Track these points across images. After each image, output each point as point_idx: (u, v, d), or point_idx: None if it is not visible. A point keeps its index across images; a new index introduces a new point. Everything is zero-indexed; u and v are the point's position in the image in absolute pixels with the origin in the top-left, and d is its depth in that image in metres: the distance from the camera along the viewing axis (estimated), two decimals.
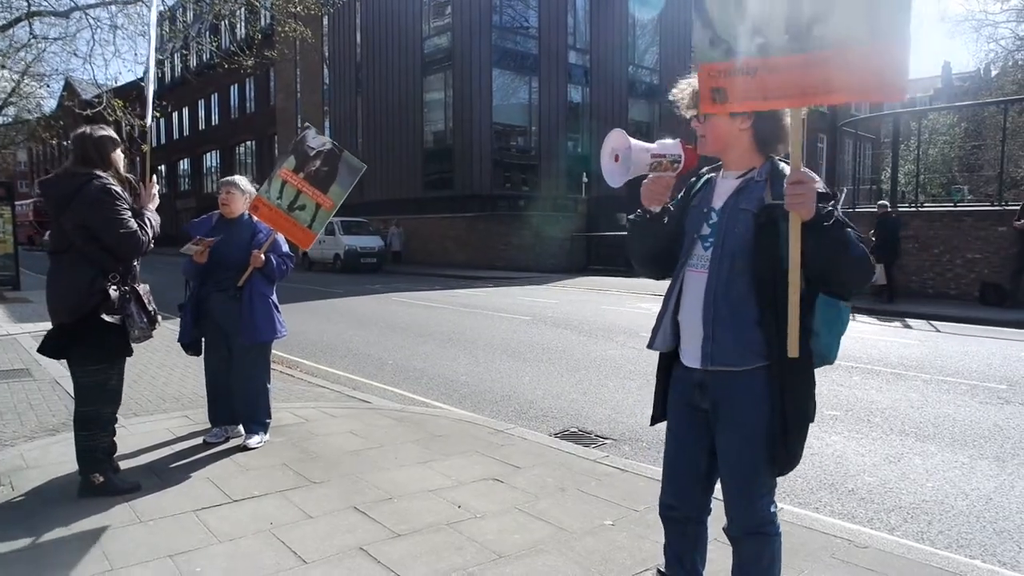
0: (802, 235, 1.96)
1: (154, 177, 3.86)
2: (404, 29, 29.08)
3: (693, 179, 2.40)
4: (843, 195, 14.45)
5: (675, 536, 2.46)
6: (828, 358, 2.21)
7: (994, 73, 38.61)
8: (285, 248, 4.69)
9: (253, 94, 44.32)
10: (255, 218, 4.55)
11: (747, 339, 2.11)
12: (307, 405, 5.95)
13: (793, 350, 2.03)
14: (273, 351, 8.95)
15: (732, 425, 2.19)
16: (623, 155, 2.12)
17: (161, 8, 20.33)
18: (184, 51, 30.95)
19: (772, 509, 2.28)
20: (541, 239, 24.39)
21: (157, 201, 3.81)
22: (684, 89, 2.26)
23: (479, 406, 6.30)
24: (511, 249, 24.77)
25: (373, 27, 31.06)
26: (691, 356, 2.23)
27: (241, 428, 4.81)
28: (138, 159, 22.18)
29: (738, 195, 2.18)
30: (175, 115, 53.49)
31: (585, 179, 26.02)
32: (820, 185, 2.00)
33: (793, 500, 4.02)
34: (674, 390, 2.35)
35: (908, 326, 10.94)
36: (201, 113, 51.44)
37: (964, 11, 62.77)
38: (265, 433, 4.72)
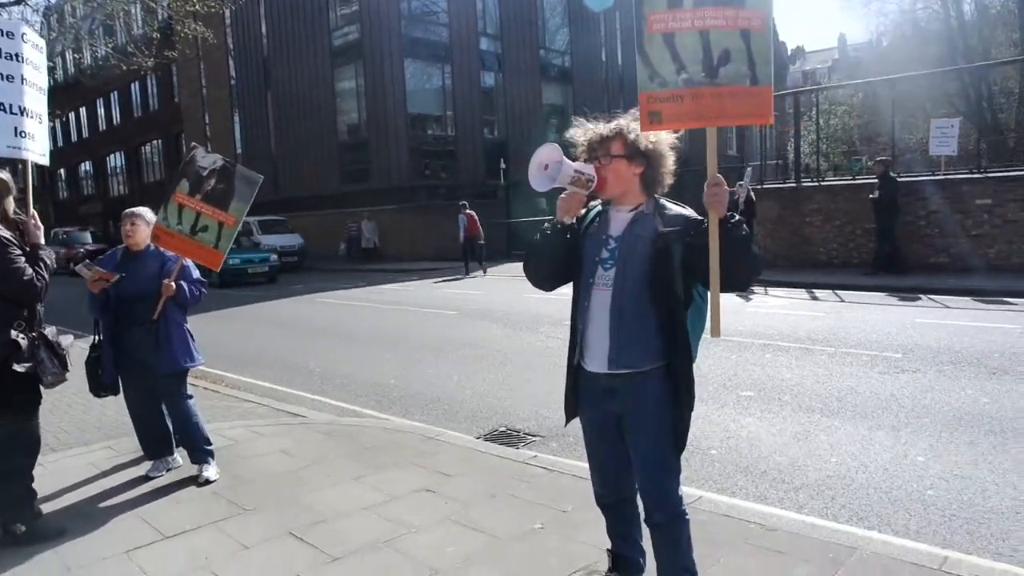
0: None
1: (34, 211, 3.68)
2: (311, 20, 28.43)
3: (584, 211, 2.69)
4: (749, 174, 15.01)
5: (614, 519, 2.84)
6: (694, 356, 2.65)
7: (885, 44, 40.56)
8: (196, 274, 4.62)
9: (156, 91, 42.54)
10: (161, 248, 4.47)
11: (647, 344, 2.50)
12: (235, 424, 5.89)
13: (716, 331, 2.52)
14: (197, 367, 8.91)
15: (641, 423, 2.55)
16: (553, 166, 2.45)
17: (48, 2, 19.25)
18: (76, 52, 29.36)
19: (680, 493, 2.64)
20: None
21: (42, 233, 3.70)
22: (581, 133, 2.61)
23: (409, 411, 6.37)
24: (435, 239, 24.69)
25: (279, 18, 30.23)
26: (597, 363, 2.57)
27: (179, 458, 4.76)
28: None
29: (633, 225, 2.57)
30: (72, 115, 50.78)
31: (503, 165, 26.08)
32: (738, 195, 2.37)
33: (712, 486, 4.27)
34: (584, 394, 2.68)
35: (815, 298, 11.55)
36: (101, 112, 49.00)
37: None
38: (213, 459, 4.67)
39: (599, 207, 2.71)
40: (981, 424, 5.03)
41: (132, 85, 43.46)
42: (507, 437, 5.41)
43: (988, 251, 12.70)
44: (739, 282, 2.51)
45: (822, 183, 15.95)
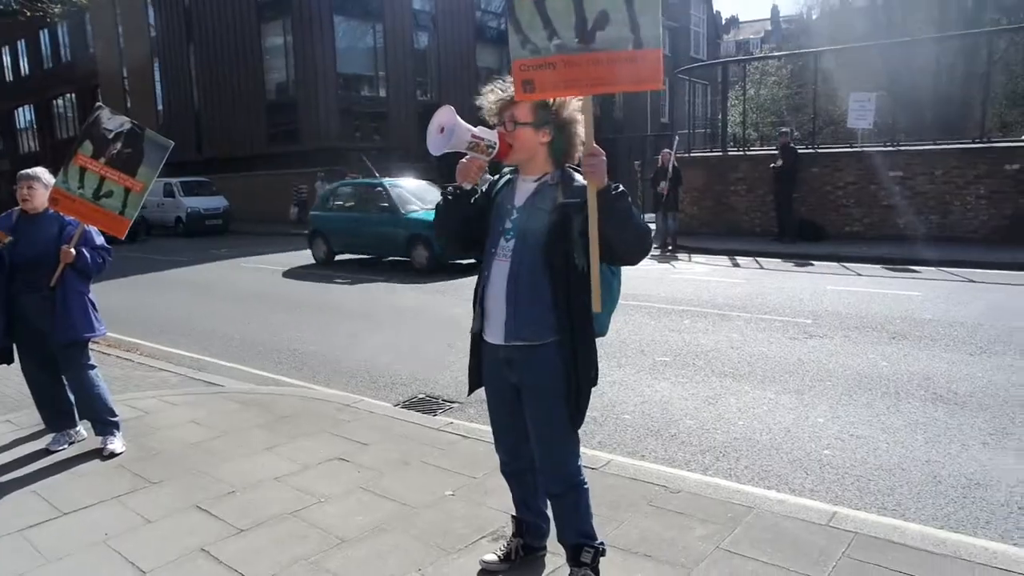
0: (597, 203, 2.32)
1: None
2: None
3: (496, 177, 2.69)
4: (676, 142, 15.22)
5: (517, 486, 2.88)
6: (603, 329, 2.65)
7: (815, 16, 41.48)
8: (100, 240, 4.42)
9: (67, 40, 40.09)
10: (60, 212, 4.25)
11: (543, 317, 2.47)
12: (146, 395, 5.72)
13: (596, 306, 2.43)
14: (109, 334, 8.59)
15: (537, 395, 2.56)
16: (448, 129, 2.39)
17: None
18: None
19: (579, 464, 2.66)
20: None
21: None
22: (488, 98, 2.56)
23: (331, 378, 6.30)
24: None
25: None
26: (495, 334, 2.56)
27: (82, 431, 4.59)
28: None
29: (535, 196, 2.53)
30: None
31: None
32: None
33: (622, 450, 4.38)
34: (485, 365, 2.69)
35: (737, 265, 11.89)
36: (7, 62, 45.98)
37: None
38: (119, 431, 4.51)
39: (509, 175, 2.68)
40: (878, 386, 5.29)
41: (41, 33, 40.85)
42: (426, 404, 5.42)
43: (899, 221, 13.27)
44: (624, 256, 2.42)
45: (747, 152, 16.31)
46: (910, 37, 24.57)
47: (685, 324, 7.49)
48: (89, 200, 4.26)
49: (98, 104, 4.47)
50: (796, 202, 13.89)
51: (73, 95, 40.36)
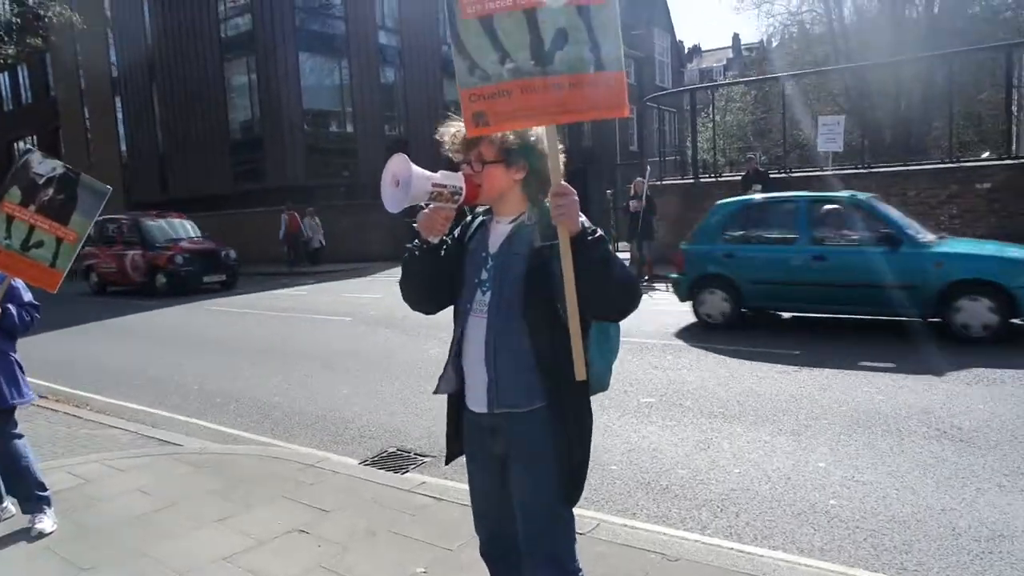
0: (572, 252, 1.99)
1: None
2: (199, 8, 26.86)
3: (468, 218, 2.35)
4: (649, 171, 15.08)
5: (498, 571, 2.46)
6: (603, 384, 2.32)
7: (775, 44, 42.23)
8: (28, 296, 3.99)
9: (27, 82, 39.37)
10: None
11: (528, 381, 2.13)
12: (90, 459, 5.22)
13: (580, 373, 2.05)
14: (58, 387, 8.07)
15: (526, 468, 2.19)
16: (404, 181, 2.04)
17: None
18: None
19: (574, 549, 2.27)
20: (364, 228, 23.62)
21: None
22: (449, 133, 2.23)
23: (292, 432, 5.86)
24: (334, 240, 23.77)
25: (163, 5, 28.42)
26: (477, 400, 2.22)
27: (10, 506, 4.11)
28: None
29: (510, 240, 2.19)
30: None
31: None
32: (583, 218, 2.04)
33: (611, 507, 4.01)
34: (467, 433, 2.32)
35: None
36: None
37: None
38: (50, 507, 4.03)
39: (482, 217, 2.34)
40: (877, 423, 4.99)
41: (0, 76, 40.09)
42: (396, 460, 5.00)
43: None
44: (606, 310, 2.12)
45: (720, 178, 16.22)
46: (870, 62, 24.91)
47: (668, 360, 7.17)
48: (17, 251, 3.83)
49: (28, 147, 4.08)
50: None
51: (35, 137, 39.49)
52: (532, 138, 2.18)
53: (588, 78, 2.01)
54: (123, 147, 32.07)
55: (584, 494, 4.01)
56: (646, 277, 13.66)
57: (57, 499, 4.31)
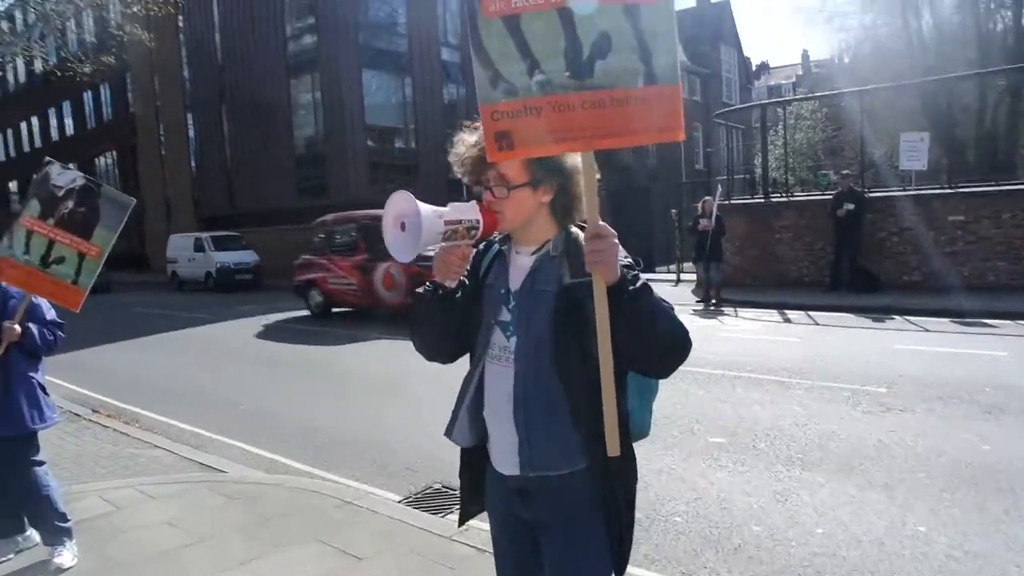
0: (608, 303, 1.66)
1: None
2: (266, 29, 27.50)
3: (482, 246, 1.99)
4: (719, 190, 14.46)
5: None
6: (643, 430, 2.02)
7: (847, 60, 40.83)
8: (51, 314, 3.78)
9: (110, 100, 41.05)
10: (4, 283, 3.63)
11: (565, 440, 1.82)
12: (126, 483, 5.03)
13: (613, 448, 1.72)
14: (111, 402, 8.02)
15: (564, 539, 1.88)
16: (411, 223, 1.71)
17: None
18: (27, 55, 27.98)
19: None
20: None
21: None
22: (459, 151, 1.89)
23: (334, 461, 5.57)
24: None
25: (232, 27, 29.23)
26: (506, 463, 1.91)
27: (34, 535, 3.90)
28: None
29: (535, 275, 1.86)
30: (24, 126, 49.09)
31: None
32: (621, 253, 1.70)
33: (675, 568, 3.53)
34: (491, 495, 2.02)
35: (788, 320, 10.96)
36: (53, 123, 47.28)
37: (817, 2, 66.37)
38: (71, 540, 3.81)
39: (498, 246, 1.99)
40: (987, 480, 4.36)
41: (84, 94, 41.94)
42: (440, 498, 4.62)
43: (962, 269, 12.24)
44: (649, 367, 1.79)
45: (791, 198, 15.48)
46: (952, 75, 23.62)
47: (738, 394, 6.61)
48: (37, 268, 3.64)
49: (47, 159, 3.88)
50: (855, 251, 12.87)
51: (114, 153, 41.17)
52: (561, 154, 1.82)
53: (636, 93, 1.64)
54: (193, 162, 33.02)
55: (645, 550, 3.56)
56: (713, 301, 13.02)
57: (85, 527, 4.12)
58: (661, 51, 1.63)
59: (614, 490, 1.82)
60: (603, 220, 1.66)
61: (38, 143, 49.02)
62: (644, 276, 1.70)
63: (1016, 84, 23.16)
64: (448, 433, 2.01)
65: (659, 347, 1.69)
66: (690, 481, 4.62)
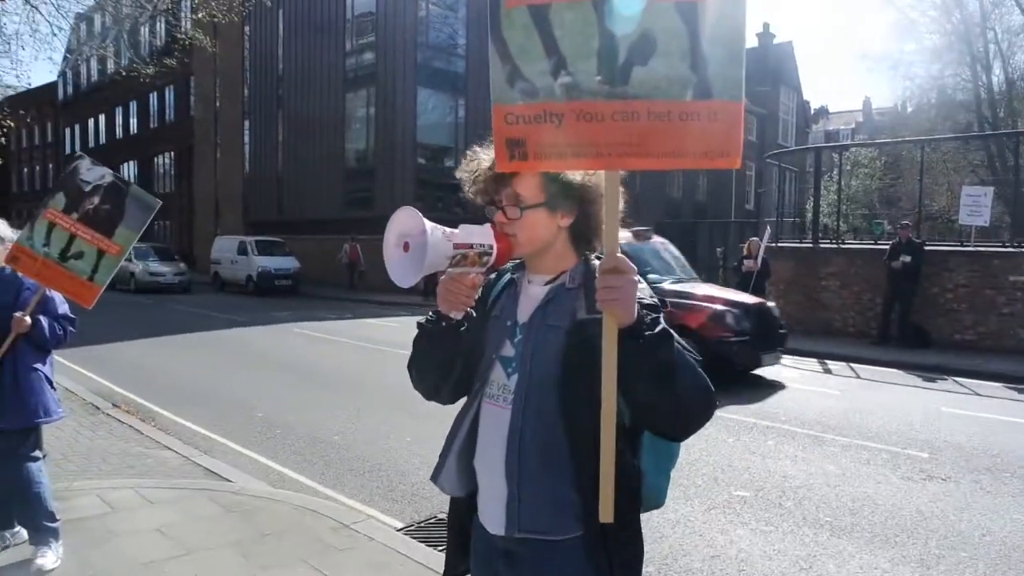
0: (620, 350, 1.42)
1: None
2: (327, 42, 28.08)
3: (493, 275, 1.78)
4: (768, 233, 14.06)
5: None
6: (658, 501, 1.76)
7: (910, 109, 39.96)
8: (63, 308, 3.71)
9: (173, 102, 42.35)
10: (20, 272, 3.57)
11: (562, 500, 1.59)
12: (126, 484, 4.94)
13: (606, 513, 1.48)
14: (133, 397, 8.02)
15: None
16: (415, 244, 1.50)
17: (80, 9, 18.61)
18: (101, 54, 28.90)
19: None
20: None
21: None
22: (474, 168, 1.69)
23: (341, 478, 5.41)
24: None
25: (296, 39, 29.92)
26: (492, 519, 1.68)
27: (22, 532, 3.80)
28: None
29: (546, 307, 1.65)
30: (91, 122, 51.00)
31: None
32: (646, 291, 1.52)
33: None
34: (475, 552, 1.77)
35: (828, 371, 10.51)
36: (119, 120, 48.96)
37: (882, 50, 65.33)
38: (57, 541, 3.70)
39: (510, 274, 1.79)
40: None
41: (151, 95, 43.32)
42: (443, 529, 4.39)
43: (1020, 331, 11.63)
44: (663, 427, 1.55)
45: (842, 245, 15.00)
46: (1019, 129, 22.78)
47: (769, 446, 6.27)
48: (55, 261, 3.56)
49: (78, 153, 3.84)
50: (909, 305, 12.33)
51: (172, 153, 42.35)
52: (586, 174, 1.61)
53: (682, 108, 1.38)
54: (247, 167, 33.71)
55: None
56: None
57: (77, 527, 4.03)
58: (721, 60, 1.37)
59: (611, 566, 1.58)
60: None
61: (103, 140, 50.79)
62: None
63: None
64: (434, 477, 1.78)
65: (676, 406, 1.46)
66: (708, 537, 4.32)
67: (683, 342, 1.48)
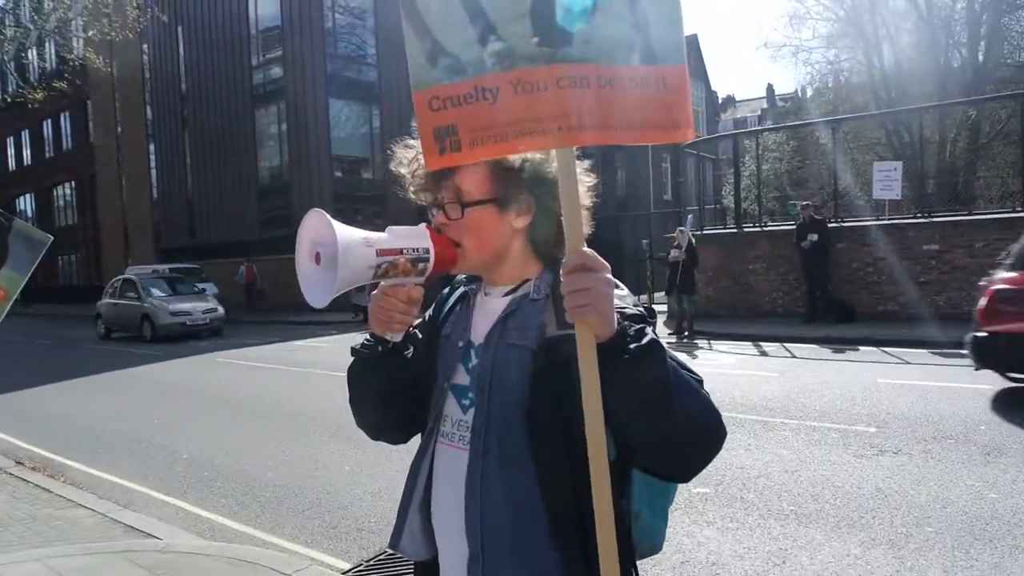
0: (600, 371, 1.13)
1: None
2: (232, 59, 27.09)
3: (446, 289, 1.49)
4: (689, 220, 14.18)
5: None
6: (656, 545, 1.48)
7: (810, 94, 41.56)
8: None
9: (70, 129, 40.10)
10: None
11: (538, 560, 1.26)
12: (31, 556, 4.40)
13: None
14: (36, 451, 7.34)
15: None
16: (327, 255, 1.20)
17: None
18: None
19: None
20: None
21: None
22: (409, 166, 1.38)
23: (279, 519, 5.00)
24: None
25: (198, 56, 28.75)
26: (450, 572, 1.36)
27: None
28: None
29: (506, 322, 1.33)
30: None
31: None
32: (629, 300, 1.29)
33: None
34: None
35: (764, 353, 10.61)
36: (11, 151, 46.09)
37: (783, 38, 67.85)
38: None
39: (463, 288, 1.49)
40: (999, 533, 3.94)
41: (44, 123, 40.92)
42: (392, 566, 4.06)
43: (937, 299, 12.06)
44: (660, 465, 1.25)
45: (765, 228, 15.28)
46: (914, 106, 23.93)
47: None
48: None
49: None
50: (825, 280, 12.70)
51: (72, 183, 40.11)
52: (539, 157, 1.32)
53: (633, 73, 1.18)
54: (154, 193, 32.24)
55: None
56: (687, 333, 12.66)
57: None
58: (661, 20, 1.17)
59: None
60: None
61: None
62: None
63: (975, 117, 23.52)
64: (394, 543, 1.43)
65: (674, 438, 1.16)
66: (675, 541, 4.13)
67: (679, 358, 1.22)
